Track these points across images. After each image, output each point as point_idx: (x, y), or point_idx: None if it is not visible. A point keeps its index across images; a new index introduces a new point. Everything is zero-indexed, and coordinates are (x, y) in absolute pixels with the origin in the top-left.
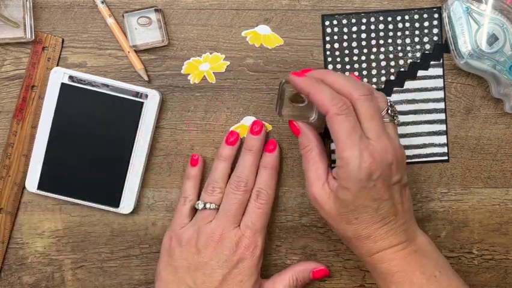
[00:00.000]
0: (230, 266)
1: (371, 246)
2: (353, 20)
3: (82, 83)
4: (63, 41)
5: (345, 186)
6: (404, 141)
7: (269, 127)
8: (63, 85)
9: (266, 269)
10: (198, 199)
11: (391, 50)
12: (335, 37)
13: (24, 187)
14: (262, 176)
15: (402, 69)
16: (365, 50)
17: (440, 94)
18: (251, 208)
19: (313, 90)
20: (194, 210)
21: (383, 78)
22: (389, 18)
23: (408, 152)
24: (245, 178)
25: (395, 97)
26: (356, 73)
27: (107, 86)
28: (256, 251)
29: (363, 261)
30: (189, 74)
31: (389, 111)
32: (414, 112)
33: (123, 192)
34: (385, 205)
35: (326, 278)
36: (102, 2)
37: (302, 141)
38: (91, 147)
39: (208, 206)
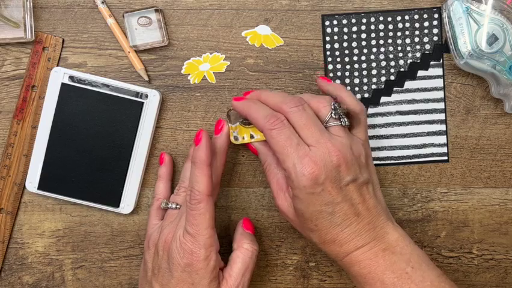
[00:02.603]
0: (179, 270)
1: (338, 250)
2: (353, 20)
3: (82, 83)
4: (63, 41)
5: (296, 195)
6: (404, 141)
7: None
8: (63, 85)
9: (266, 269)
10: (167, 199)
11: (391, 50)
12: (335, 37)
13: (24, 187)
14: (191, 173)
15: (402, 69)
16: (365, 50)
17: (440, 94)
18: (188, 210)
19: (249, 111)
20: (163, 210)
21: (383, 78)
22: (389, 18)
23: (408, 152)
24: (196, 187)
25: (395, 97)
26: (356, 73)
27: (107, 86)
28: (199, 254)
29: (338, 265)
30: (189, 74)
31: (333, 115)
32: (414, 112)
33: (123, 192)
34: (341, 207)
35: (250, 221)
36: (102, 2)
37: (261, 159)
38: (91, 147)
39: (170, 205)
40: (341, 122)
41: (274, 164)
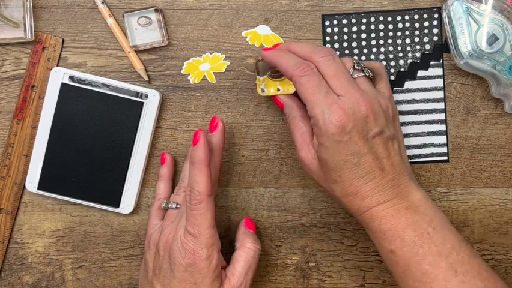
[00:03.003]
0: (181, 270)
1: (360, 203)
2: (353, 20)
3: (82, 83)
4: (63, 41)
5: (322, 143)
6: (404, 141)
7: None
8: (63, 85)
9: (266, 269)
10: (168, 199)
11: (391, 50)
12: (335, 37)
13: (24, 187)
14: (190, 173)
15: (402, 69)
16: (365, 50)
17: (440, 94)
18: (188, 210)
19: (279, 59)
20: (163, 210)
21: None
22: (389, 18)
23: (408, 152)
24: (186, 177)
25: (395, 97)
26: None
27: (107, 86)
28: (201, 254)
29: (357, 220)
30: (189, 74)
31: (356, 67)
32: (415, 112)
33: (123, 192)
34: (366, 159)
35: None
36: (102, 2)
37: (286, 112)
38: (91, 147)
39: (170, 205)
40: (364, 73)
41: (299, 117)
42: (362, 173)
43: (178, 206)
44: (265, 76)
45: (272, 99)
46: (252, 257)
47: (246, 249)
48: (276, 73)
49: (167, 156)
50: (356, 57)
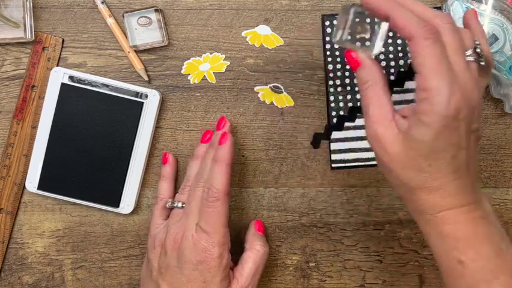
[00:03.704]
0: (191, 268)
1: (438, 201)
2: None
3: (82, 83)
4: (63, 41)
5: (426, 121)
6: None
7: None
8: (63, 85)
9: (266, 269)
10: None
11: (391, 50)
12: None
13: (24, 187)
14: (212, 171)
15: (402, 69)
16: None
17: None
18: (203, 207)
19: (396, 11)
20: (166, 210)
21: None
22: None
23: None
24: (205, 173)
25: (395, 97)
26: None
27: (107, 86)
28: (213, 252)
29: (419, 219)
30: (189, 74)
31: (477, 50)
32: None
33: (123, 192)
34: (462, 154)
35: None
36: (102, 2)
37: (363, 76)
38: (91, 147)
39: (175, 204)
40: (480, 61)
41: (381, 85)
42: (453, 167)
43: (184, 205)
44: (349, 23)
45: (344, 55)
46: (260, 258)
47: (255, 251)
48: (359, 27)
49: (169, 156)
50: (477, 41)
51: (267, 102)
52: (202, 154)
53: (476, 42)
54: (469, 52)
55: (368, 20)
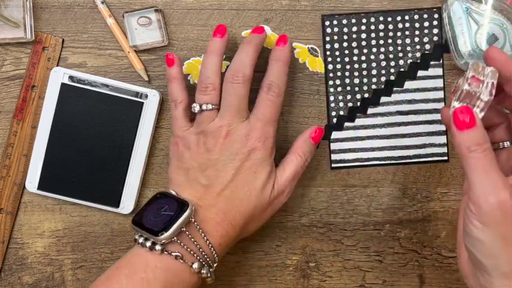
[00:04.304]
0: (242, 159)
1: None
2: (353, 20)
3: (82, 83)
4: (63, 41)
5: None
6: (404, 141)
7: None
8: (63, 85)
9: (266, 269)
10: (188, 100)
11: (391, 50)
12: (335, 37)
13: (24, 187)
14: (273, 69)
15: (402, 69)
16: (365, 50)
17: (440, 94)
18: (261, 100)
19: None
20: (189, 112)
21: (383, 78)
22: (389, 18)
23: (408, 152)
24: (243, 68)
25: (395, 97)
26: (356, 73)
27: (107, 86)
28: (268, 142)
29: None
30: (189, 74)
31: None
32: (415, 112)
33: (123, 192)
34: None
35: (323, 135)
36: (102, 2)
37: (475, 138)
38: (91, 147)
39: (204, 107)
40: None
41: (493, 153)
42: None
43: (214, 106)
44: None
45: (453, 114)
46: (301, 166)
47: (299, 156)
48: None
49: (174, 56)
50: None
51: (300, 61)
52: (216, 49)
53: None
54: None
55: (481, 78)
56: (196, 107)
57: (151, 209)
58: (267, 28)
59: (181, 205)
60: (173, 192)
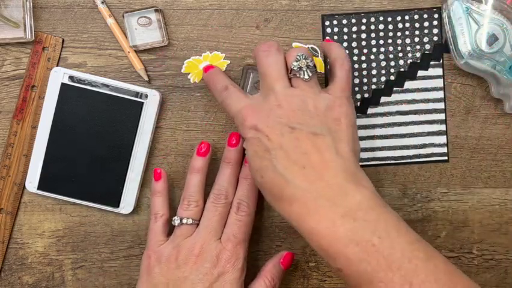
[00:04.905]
0: (211, 280)
1: (288, 211)
2: (353, 20)
3: (82, 83)
4: (63, 41)
5: None
6: (404, 141)
7: None
8: (63, 85)
9: None
10: (169, 214)
11: (391, 50)
12: (335, 37)
13: (24, 187)
14: (242, 187)
15: (402, 69)
16: (365, 50)
17: (440, 94)
18: (232, 220)
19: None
20: (168, 226)
21: (383, 78)
22: (389, 18)
23: (408, 152)
24: (225, 190)
25: (395, 97)
26: (356, 73)
27: (107, 86)
28: (237, 263)
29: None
30: (189, 73)
31: (293, 67)
32: (415, 112)
33: (123, 192)
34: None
35: (293, 260)
36: (102, 2)
37: None
38: (91, 147)
39: (184, 221)
40: (299, 74)
41: None
42: (280, 170)
43: (194, 221)
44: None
45: None
46: None
47: (267, 280)
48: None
49: (161, 171)
50: (298, 55)
51: None
52: (199, 168)
53: (296, 57)
54: (289, 69)
55: None
56: (176, 221)
57: None
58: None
59: None
60: None
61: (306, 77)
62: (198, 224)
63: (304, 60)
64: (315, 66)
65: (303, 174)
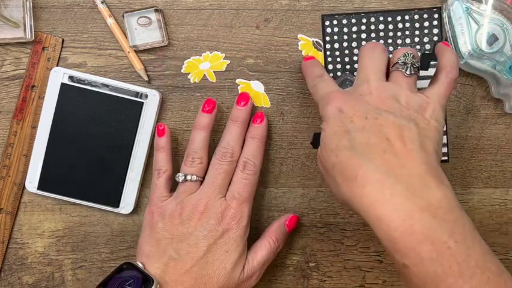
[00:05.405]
0: (215, 236)
1: (359, 192)
2: (353, 20)
3: (81, 83)
4: (63, 41)
5: None
6: None
7: (261, 101)
8: (63, 85)
9: (266, 269)
10: (172, 170)
11: (391, 50)
12: (335, 37)
13: (24, 187)
14: (249, 146)
15: None
16: None
17: None
18: (237, 179)
19: None
20: (171, 183)
21: None
22: (389, 18)
23: None
24: (231, 148)
25: None
26: (356, 73)
27: (107, 86)
28: (242, 221)
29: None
30: (189, 73)
31: (400, 61)
32: None
33: (123, 192)
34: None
35: (298, 223)
36: (102, 2)
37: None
38: (91, 147)
39: (189, 177)
40: (402, 68)
41: None
42: (358, 149)
43: (198, 178)
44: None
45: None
46: (273, 252)
47: (272, 242)
48: None
49: (165, 127)
50: (407, 52)
51: (304, 53)
52: (205, 125)
53: (404, 53)
54: (394, 62)
55: None
56: (180, 177)
57: (115, 279)
58: (260, 85)
59: (146, 281)
60: (140, 265)
61: (408, 72)
62: (201, 181)
63: (411, 58)
64: (419, 68)
65: (383, 158)
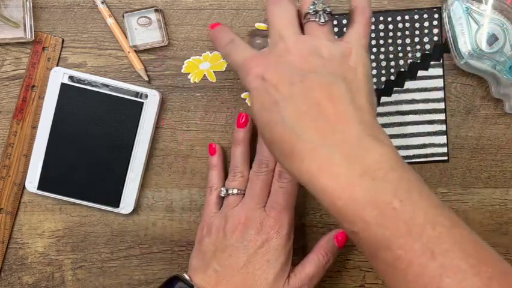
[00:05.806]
0: (255, 246)
1: (298, 167)
2: None
3: (82, 83)
4: (63, 41)
5: None
6: (404, 141)
7: None
8: (63, 85)
9: None
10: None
11: (391, 50)
12: (335, 37)
13: (24, 187)
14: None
15: (402, 69)
16: None
17: (440, 94)
18: (274, 188)
19: None
20: (221, 199)
21: (383, 78)
22: (389, 18)
23: (408, 152)
24: (266, 159)
25: (395, 97)
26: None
27: (107, 86)
28: (282, 230)
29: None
30: (189, 73)
31: (310, 10)
32: (415, 112)
33: (123, 192)
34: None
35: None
36: (102, 2)
37: None
38: (91, 147)
39: (230, 191)
40: (315, 17)
41: None
42: (289, 123)
43: (239, 191)
44: None
45: None
46: (323, 266)
47: (321, 256)
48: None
49: (216, 146)
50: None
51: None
52: (241, 139)
53: (313, 1)
54: (304, 13)
55: None
56: (223, 192)
57: None
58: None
59: None
60: (187, 277)
61: (322, 20)
62: (244, 194)
63: (321, 5)
64: (331, 13)
65: (315, 127)
